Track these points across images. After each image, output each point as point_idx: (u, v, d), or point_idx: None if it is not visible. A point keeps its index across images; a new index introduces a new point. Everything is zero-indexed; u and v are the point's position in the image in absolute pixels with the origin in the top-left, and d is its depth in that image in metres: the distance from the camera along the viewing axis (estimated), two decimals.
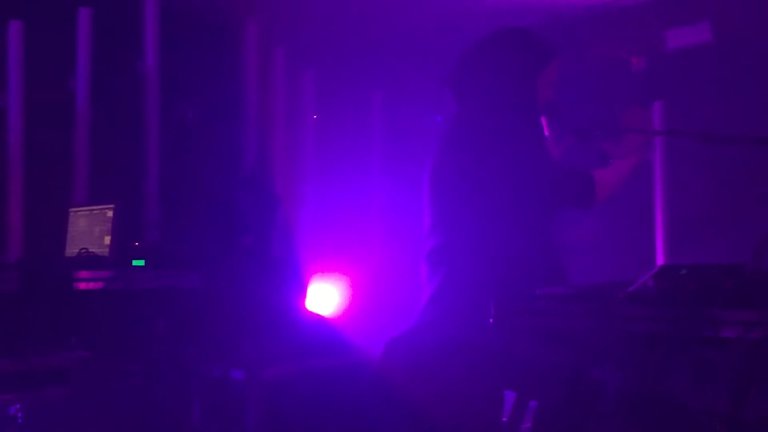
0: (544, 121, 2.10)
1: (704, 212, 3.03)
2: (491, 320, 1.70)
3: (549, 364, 1.84)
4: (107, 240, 2.91)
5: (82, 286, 2.67)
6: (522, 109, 2.05)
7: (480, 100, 2.09)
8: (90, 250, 2.88)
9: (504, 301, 1.71)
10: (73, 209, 3.13)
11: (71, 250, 3.03)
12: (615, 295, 1.59)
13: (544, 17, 3.88)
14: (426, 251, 2.12)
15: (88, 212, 3.04)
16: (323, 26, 4.10)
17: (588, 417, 1.84)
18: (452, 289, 2.04)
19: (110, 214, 2.93)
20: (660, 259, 3.55)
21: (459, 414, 1.96)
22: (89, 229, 3.00)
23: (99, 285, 2.69)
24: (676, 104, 3.66)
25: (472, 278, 2.01)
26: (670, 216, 3.54)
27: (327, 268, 3.96)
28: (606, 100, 3.72)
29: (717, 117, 3.44)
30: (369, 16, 3.99)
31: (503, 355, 1.95)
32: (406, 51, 4.35)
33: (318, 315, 3.53)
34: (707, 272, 1.54)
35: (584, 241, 2.17)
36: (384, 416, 2.11)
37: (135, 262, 2.82)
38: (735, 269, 1.57)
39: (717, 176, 3.50)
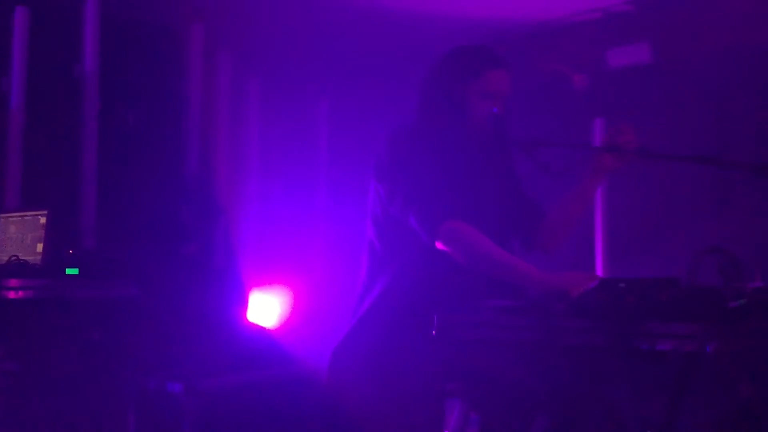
0: (486, 133, 2.11)
1: (643, 227, 3.11)
2: (434, 332, 1.70)
3: (491, 375, 1.85)
4: (39, 247, 2.81)
5: (11, 295, 2.57)
6: (442, 126, 2.06)
7: (417, 114, 2.13)
8: (21, 258, 2.77)
9: (446, 313, 1.71)
10: (4, 215, 3.02)
11: (0, 257, 2.91)
12: (555, 308, 1.60)
13: (489, 33, 3.94)
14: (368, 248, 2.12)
15: (19, 218, 2.93)
16: (270, 34, 4.06)
17: (531, 428, 1.85)
18: (393, 295, 2.03)
19: (43, 220, 2.84)
20: (599, 273, 3.62)
21: (399, 424, 1.95)
22: (20, 235, 2.89)
23: (29, 294, 2.60)
24: (616, 121, 3.74)
25: (412, 285, 2.01)
26: (610, 231, 3.61)
27: (269, 279, 3.91)
28: (549, 115, 3.78)
29: (655, 134, 3.52)
30: (316, 25, 3.98)
31: (446, 367, 1.94)
32: (352, 62, 4.35)
33: (258, 326, 3.48)
34: (645, 286, 1.57)
35: (524, 255, 2.19)
36: (327, 426, 2.09)
37: (68, 271, 2.73)
38: (671, 283, 1.60)
39: (655, 192, 3.60)
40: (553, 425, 1.80)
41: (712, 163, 1.95)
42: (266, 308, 3.90)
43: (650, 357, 1.51)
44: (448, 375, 2.00)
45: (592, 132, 3.77)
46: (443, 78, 2.10)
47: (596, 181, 2.14)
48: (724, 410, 1.68)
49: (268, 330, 3.62)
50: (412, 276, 2.02)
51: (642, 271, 1.92)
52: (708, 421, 1.68)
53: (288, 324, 3.89)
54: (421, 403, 1.96)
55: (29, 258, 2.79)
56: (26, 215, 2.91)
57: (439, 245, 1.96)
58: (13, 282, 2.61)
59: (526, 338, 1.60)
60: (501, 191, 2.17)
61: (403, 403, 1.95)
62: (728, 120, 3.58)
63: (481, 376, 1.90)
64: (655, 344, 1.46)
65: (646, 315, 1.49)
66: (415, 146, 2.06)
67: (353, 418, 2.01)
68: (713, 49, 3.65)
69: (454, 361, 1.88)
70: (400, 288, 2.03)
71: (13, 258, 2.77)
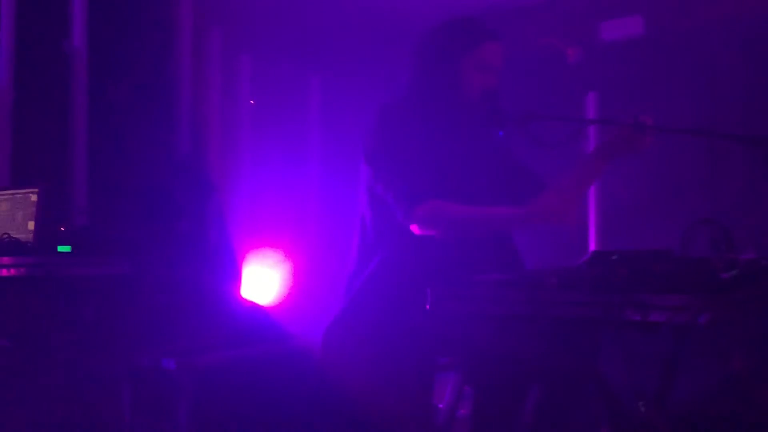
0: (481, 106, 2.09)
1: (635, 200, 3.12)
2: (428, 306, 1.70)
3: (484, 349, 1.85)
4: (31, 225, 2.80)
5: (4, 272, 2.56)
6: (435, 101, 2.05)
7: (406, 87, 2.11)
8: (12, 236, 2.76)
9: (440, 287, 1.71)
10: None
11: None
12: (549, 281, 1.60)
13: (481, 7, 3.90)
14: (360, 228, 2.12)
15: (10, 196, 2.92)
16: (260, 8, 4.02)
17: (525, 401, 1.86)
18: (386, 270, 2.02)
19: (34, 198, 2.82)
20: (593, 246, 3.63)
21: (391, 400, 1.96)
22: (11, 213, 2.87)
23: (21, 272, 2.58)
24: (610, 94, 3.73)
25: (405, 260, 2.01)
26: (603, 203, 3.62)
27: (263, 255, 3.91)
28: (542, 88, 3.77)
29: (648, 107, 3.52)
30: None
31: (439, 341, 1.95)
32: (344, 36, 4.31)
33: (253, 302, 3.48)
34: (638, 258, 1.57)
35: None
36: (322, 403, 2.10)
37: (60, 248, 2.72)
38: (664, 255, 1.61)
39: (647, 164, 3.60)
40: (546, 398, 1.81)
41: (705, 135, 1.95)
42: (261, 284, 3.89)
43: (643, 329, 1.52)
44: (441, 349, 2.00)
45: (586, 105, 3.76)
46: (435, 52, 2.07)
47: (605, 162, 2.04)
48: (717, 381, 1.70)
49: (263, 306, 3.62)
50: (404, 252, 2.02)
51: (635, 244, 1.92)
52: (700, 392, 1.70)
53: (283, 299, 3.89)
54: (415, 377, 1.97)
55: (21, 236, 2.78)
56: (17, 193, 2.89)
57: (414, 228, 1.97)
58: (5, 260, 2.60)
59: (519, 312, 1.60)
60: (494, 165, 2.16)
61: (396, 379, 1.96)
62: (721, 92, 3.58)
63: (474, 350, 1.90)
64: (648, 316, 1.46)
65: (639, 287, 1.49)
66: (402, 123, 2.04)
67: (347, 394, 2.02)
68: (706, 22, 3.63)
69: (448, 335, 1.88)
70: (393, 264, 2.02)
71: (4, 236, 2.76)
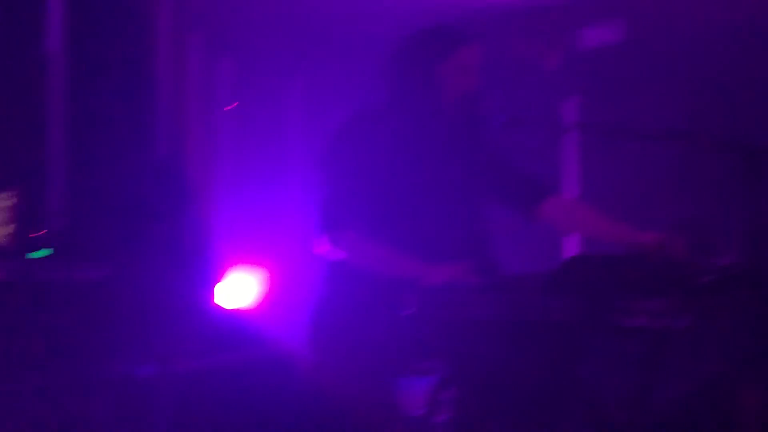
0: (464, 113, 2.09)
1: (616, 204, 3.14)
2: (410, 311, 1.69)
3: (465, 353, 1.85)
4: (9, 229, 2.77)
5: None
6: (416, 109, 2.06)
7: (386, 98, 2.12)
8: None
9: (423, 292, 1.70)
10: None
11: None
12: (529, 286, 1.60)
13: (460, 14, 3.91)
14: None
15: None
16: (241, 12, 4.01)
17: (507, 406, 1.86)
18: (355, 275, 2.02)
19: (12, 202, 2.79)
20: (572, 250, 3.65)
21: (357, 404, 1.96)
22: None
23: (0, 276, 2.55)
24: (591, 100, 3.76)
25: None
26: None
27: (242, 261, 3.88)
28: (524, 94, 3.78)
29: (629, 112, 3.54)
30: (288, 2, 3.93)
31: (421, 345, 1.94)
32: (326, 41, 4.31)
33: (233, 308, 3.46)
34: (618, 262, 1.57)
35: (499, 232, 2.20)
36: (302, 408, 2.09)
37: (38, 253, 2.69)
38: (644, 259, 1.61)
39: (629, 169, 3.62)
40: (526, 401, 1.81)
41: (685, 139, 1.96)
42: (241, 289, 3.87)
43: (622, 333, 1.52)
44: (423, 353, 1.99)
45: (568, 110, 3.78)
46: (411, 61, 2.08)
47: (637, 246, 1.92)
48: (696, 385, 1.70)
49: (244, 311, 3.59)
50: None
51: (614, 248, 1.92)
52: (679, 395, 1.70)
53: (262, 305, 3.87)
54: (380, 384, 1.97)
55: None
56: None
57: (332, 250, 2.03)
58: None
59: (499, 316, 1.60)
60: (477, 168, 2.16)
61: (372, 381, 1.96)
62: (702, 97, 3.61)
63: (455, 354, 1.90)
64: (628, 320, 1.46)
65: (619, 291, 1.49)
66: (360, 140, 2.06)
67: (327, 395, 2.02)
68: (687, 26, 3.66)
69: (429, 339, 1.88)
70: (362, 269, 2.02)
71: None
